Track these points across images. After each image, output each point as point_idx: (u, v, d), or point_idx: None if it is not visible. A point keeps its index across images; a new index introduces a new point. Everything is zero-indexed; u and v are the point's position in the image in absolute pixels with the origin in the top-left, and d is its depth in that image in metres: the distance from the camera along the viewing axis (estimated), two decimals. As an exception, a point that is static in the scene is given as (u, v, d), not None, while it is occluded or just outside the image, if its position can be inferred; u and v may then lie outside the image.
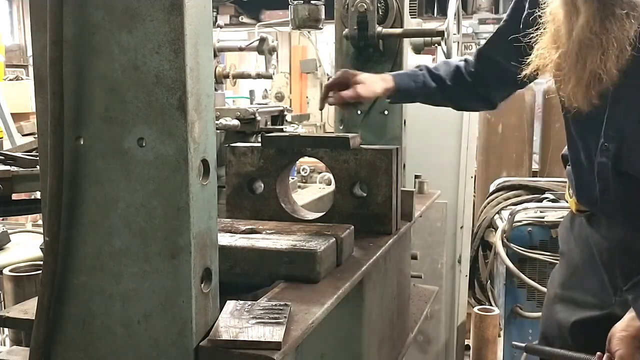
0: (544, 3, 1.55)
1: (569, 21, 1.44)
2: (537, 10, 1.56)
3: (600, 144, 1.59)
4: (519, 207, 3.34)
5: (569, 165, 1.83)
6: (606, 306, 1.74)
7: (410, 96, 2.00)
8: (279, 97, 9.84)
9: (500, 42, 1.87)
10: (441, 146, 3.18)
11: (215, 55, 2.39)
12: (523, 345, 1.83)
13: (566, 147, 1.81)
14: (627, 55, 1.39)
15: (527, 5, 1.72)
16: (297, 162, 2.17)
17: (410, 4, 2.50)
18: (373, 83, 1.88)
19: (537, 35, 1.57)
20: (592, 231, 1.77)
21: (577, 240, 1.84)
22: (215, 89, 2.12)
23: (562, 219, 2.05)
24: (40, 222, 3.13)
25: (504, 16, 1.89)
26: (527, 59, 1.60)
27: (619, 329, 1.56)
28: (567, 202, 1.89)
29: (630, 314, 1.56)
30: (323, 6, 2.46)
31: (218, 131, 2.11)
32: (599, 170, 1.62)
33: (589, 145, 1.64)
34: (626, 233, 1.66)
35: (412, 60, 2.51)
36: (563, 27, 1.46)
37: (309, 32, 8.57)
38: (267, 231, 1.58)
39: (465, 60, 2.02)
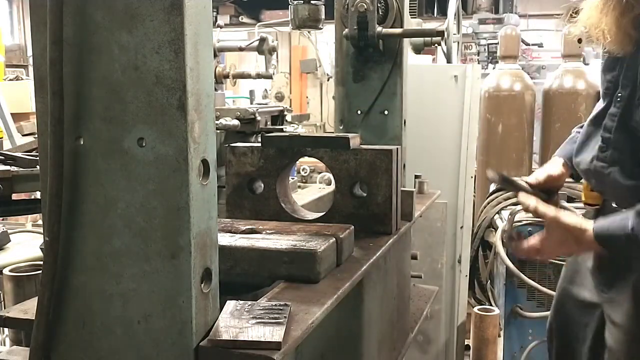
0: None
1: None
2: None
3: (616, 94, 1.68)
4: (519, 207, 3.34)
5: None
6: (598, 304, 1.83)
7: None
8: (279, 97, 9.84)
9: None
10: (441, 146, 3.18)
11: (215, 55, 2.39)
12: (497, 175, 1.84)
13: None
14: None
15: None
16: (297, 162, 2.17)
17: (410, 4, 2.50)
18: (551, 165, 1.92)
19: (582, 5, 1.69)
20: None
21: None
22: (215, 89, 2.12)
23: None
24: (40, 222, 3.13)
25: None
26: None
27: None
28: (582, 196, 1.96)
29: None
30: (323, 6, 2.46)
31: (218, 131, 2.11)
32: (607, 122, 1.69)
33: (606, 99, 1.73)
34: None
35: (412, 60, 2.51)
36: None
37: (309, 32, 8.57)
38: (267, 231, 1.58)
39: None
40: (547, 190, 1.87)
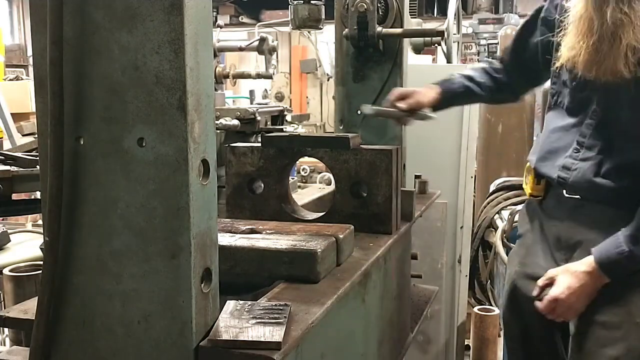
0: (565, 10, 1.83)
1: (600, 11, 1.71)
2: (557, 16, 1.88)
3: (591, 109, 1.87)
4: (519, 207, 3.33)
5: (533, 147, 2.10)
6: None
7: (455, 98, 2.20)
8: (279, 97, 9.85)
9: (523, 46, 2.12)
10: (441, 146, 3.18)
11: (215, 55, 2.39)
12: (372, 110, 1.95)
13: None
14: None
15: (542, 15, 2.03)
16: (297, 162, 2.17)
17: (410, 4, 2.50)
18: (424, 91, 2.07)
19: (560, 35, 1.84)
20: (542, 213, 2.02)
21: (531, 223, 2.09)
22: (215, 89, 2.12)
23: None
24: (40, 222, 3.13)
25: (519, 28, 2.17)
26: (549, 57, 1.93)
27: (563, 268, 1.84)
28: (523, 189, 2.14)
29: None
30: (323, 6, 2.46)
31: (218, 131, 2.11)
32: (583, 130, 1.89)
33: (580, 115, 1.90)
34: (575, 209, 1.90)
35: (412, 60, 2.51)
36: (595, 17, 1.73)
37: (309, 32, 8.57)
38: (267, 231, 1.58)
39: (489, 62, 2.25)
40: (412, 110, 2.05)
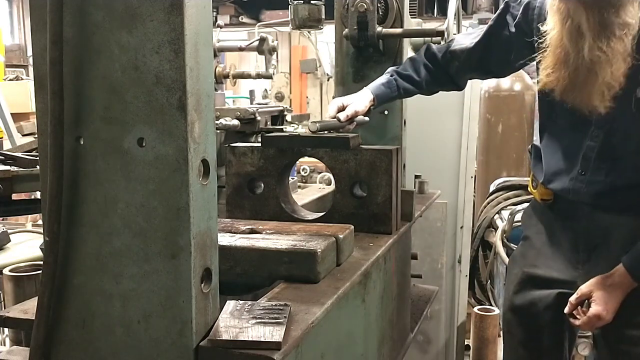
0: (542, 32, 1.80)
1: (575, 45, 1.70)
2: (535, 38, 1.84)
3: (591, 131, 1.86)
4: (519, 207, 3.34)
5: (534, 158, 2.09)
6: (571, 280, 1.96)
7: (389, 100, 2.19)
8: (279, 97, 9.85)
9: (494, 43, 2.09)
10: (441, 146, 3.18)
11: (215, 55, 2.39)
12: (318, 125, 1.95)
13: (536, 139, 2.08)
14: (629, 64, 1.68)
15: (511, 29, 2.02)
16: (297, 162, 2.17)
17: (410, 4, 2.50)
18: (360, 99, 2.07)
19: (538, 57, 1.83)
20: (554, 217, 2.02)
21: (539, 226, 2.09)
22: (215, 89, 2.12)
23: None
24: (40, 222, 3.13)
25: (479, 35, 2.12)
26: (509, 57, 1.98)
27: (596, 282, 1.85)
28: (531, 193, 2.14)
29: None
30: (323, 6, 2.46)
31: (218, 131, 2.10)
32: (586, 152, 1.88)
33: (578, 133, 1.89)
34: (591, 214, 1.90)
35: (412, 60, 2.50)
36: (571, 50, 1.72)
37: (309, 32, 8.57)
38: (267, 231, 1.58)
39: (432, 53, 2.19)
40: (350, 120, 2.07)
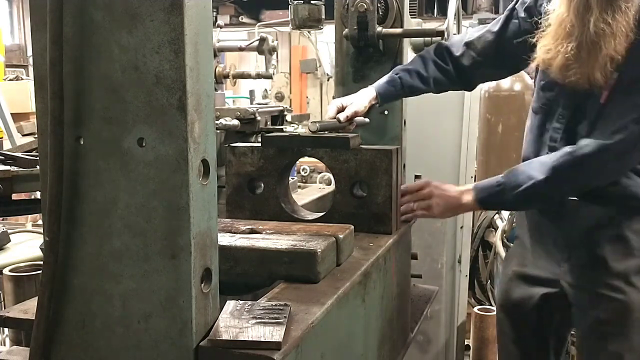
0: (545, 11, 1.85)
1: (581, 19, 1.73)
2: (535, 16, 1.89)
3: (558, 112, 1.93)
4: (519, 207, 3.33)
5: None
6: (555, 279, 2.01)
7: (394, 98, 2.19)
8: (279, 97, 9.84)
9: (506, 39, 2.10)
10: (441, 146, 3.18)
11: (215, 55, 2.39)
12: (317, 125, 1.95)
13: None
14: (631, 39, 1.72)
15: (521, 14, 2.04)
16: (297, 162, 2.17)
17: (410, 4, 2.49)
18: (360, 99, 2.07)
19: (536, 35, 1.85)
20: (539, 214, 2.06)
21: (528, 224, 2.13)
22: (215, 89, 2.12)
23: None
24: (40, 222, 3.13)
25: (498, 23, 2.13)
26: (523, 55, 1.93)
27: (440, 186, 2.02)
28: None
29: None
30: (323, 6, 2.46)
31: (218, 131, 2.10)
32: (552, 135, 1.94)
33: (548, 116, 1.97)
34: (573, 210, 1.94)
35: (412, 60, 2.50)
36: (577, 24, 1.75)
37: (309, 32, 8.57)
38: (267, 231, 1.57)
39: (443, 49, 2.18)
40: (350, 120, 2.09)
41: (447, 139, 3.18)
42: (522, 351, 2.18)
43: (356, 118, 2.03)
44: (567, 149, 1.84)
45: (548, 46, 1.81)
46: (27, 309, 1.25)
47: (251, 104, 2.92)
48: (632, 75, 1.76)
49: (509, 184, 1.89)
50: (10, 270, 2.14)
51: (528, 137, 2.07)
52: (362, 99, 2.07)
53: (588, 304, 1.94)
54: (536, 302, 2.06)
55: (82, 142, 1.06)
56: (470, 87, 2.30)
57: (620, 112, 1.78)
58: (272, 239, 1.50)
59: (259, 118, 2.30)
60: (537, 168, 1.86)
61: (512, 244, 3.13)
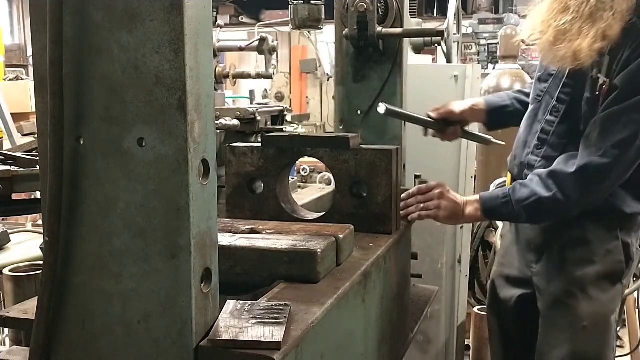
0: None
1: None
2: None
3: (552, 105, 1.91)
4: (518, 207, 3.33)
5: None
6: (527, 279, 2.06)
7: (501, 108, 2.21)
8: (279, 97, 9.84)
9: None
10: (441, 146, 3.17)
11: (215, 55, 2.39)
12: (386, 108, 1.94)
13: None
14: (627, 20, 1.68)
15: None
16: (297, 162, 2.17)
17: (410, 4, 2.49)
18: (460, 102, 2.11)
19: (527, 9, 1.87)
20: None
21: (510, 224, 2.20)
22: (215, 89, 2.12)
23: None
24: (40, 222, 3.13)
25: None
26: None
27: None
28: None
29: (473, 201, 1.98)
30: (323, 6, 2.46)
31: (218, 131, 2.11)
32: (544, 127, 1.93)
33: (541, 110, 1.96)
34: None
35: (412, 60, 2.50)
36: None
37: (309, 32, 8.57)
38: (267, 231, 1.57)
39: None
40: (447, 121, 2.12)
41: (447, 139, 3.18)
42: (507, 350, 2.21)
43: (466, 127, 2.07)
44: (570, 167, 1.81)
45: (539, 19, 1.79)
46: (27, 309, 1.25)
47: (251, 104, 2.93)
48: (633, 86, 1.71)
49: (514, 196, 1.89)
50: (10, 270, 2.14)
51: (522, 126, 2.08)
52: (463, 102, 2.09)
53: (547, 308, 1.97)
54: (514, 302, 2.10)
55: (82, 142, 1.06)
56: None
57: (617, 127, 1.75)
58: (272, 239, 1.50)
59: (259, 118, 2.31)
60: (540, 184, 1.85)
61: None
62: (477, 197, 2.00)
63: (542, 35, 1.78)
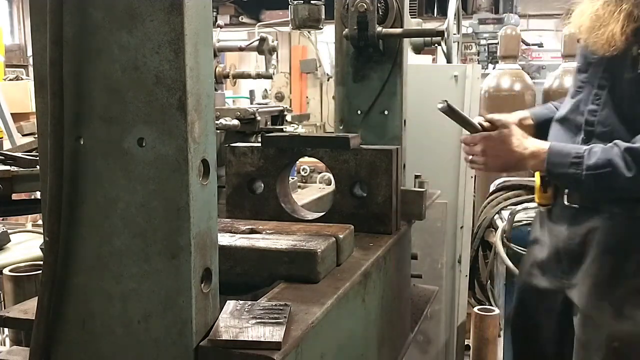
0: None
1: None
2: None
3: (592, 93, 1.84)
4: (519, 207, 3.34)
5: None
6: (558, 290, 1.97)
7: (545, 118, 2.13)
8: (279, 97, 9.84)
9: None
10: (441, 146, 3.17)
11: (215, 55, 2.39)
12: (447, 106, 1.90)
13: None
14: None
15: None
16: (297, 162, 2.17)
17: (410, 4, 2.50)
18: (509, 115, 2.05)
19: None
20: (549, 223, 2.02)
21: (540, 231, 2.09)
22: (215, 89, 2.12)
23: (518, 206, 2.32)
24: (40, 222, 3.13)
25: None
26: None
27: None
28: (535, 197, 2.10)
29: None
30: (323, 6, 2.46)
31: (218, 131, 2.11)
32: (588, 118, 1.84)
33: (581, 99, 1.88)
34: (573, 215, 1.89)
35: (412, 60, 2.51)
36: None
37: (309, 32, 8.57)
38: (267, 231, 1.57)
39: None
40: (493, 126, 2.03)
41: (447, 139, 3.18)
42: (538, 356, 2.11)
43: None
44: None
45: (581, 9, 1.79)
46: (27, 309, 1.25)
47: (251, 104, 2.93)
48: None
49: (588, 160, 1.74)
50: (10, 270, 2.14)
51: (558, 126, 1.97)
52: (512, 115, 2.05)
53: (580, 325, 1.87)
54: (546, 317, 2.01)
55: (82, 142, 1.06)
56: None
57: None
58: (272, 239, 1.50)
59: (259, 118, 2.31)
60: (620, 157, 1.70)
61: (513, 244, 3.14)
62: (544, 146, 1.83)
63: (584, 22, 1.76)
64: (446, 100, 1.88)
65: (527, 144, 1.87)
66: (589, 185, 1.75)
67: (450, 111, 1.91)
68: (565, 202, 1.91)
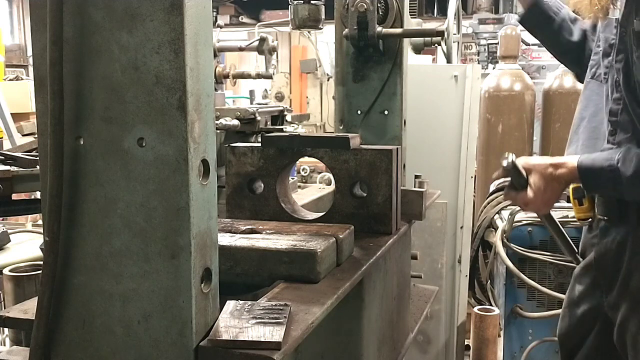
0: None
1: None
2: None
3: (614, 80, 1.74)
4: (518, 207, 3.33)
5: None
6: (598, 306, 1.90)
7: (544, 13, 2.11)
8: (279, 97, 9.84)
9: None
10: (441, 146, 3.18)
11: (215, 55, 2.39)
12: (511, 163, 1.81)
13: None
14: None
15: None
16: (297, 162, 2.17)
17: (410, 4, 2.50)
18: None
19: None
20: (589, 237, 1.95)
21: (584, 247, 2.01)
22: (215, 89, 2.12)
23: (561, 219, 2.21)
24: (40, 222, 3.13)
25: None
26: None
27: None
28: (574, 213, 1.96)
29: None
30: (323, 6, 2.46)
31: (218, 131, 2.11)
32: (612, 107, 1.75)
33: (610, 86, 1.78)
34: (602, 229, 1.83)
35: (412, 60, 2.51)
36: None
37: (309, 32, 8.57)
38: (267, 231, 1.57)
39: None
40: None
41: (447, 139, 3.18)
42: None
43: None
44: None
45: None
46: (27, 309, 1.25)
47: (251, 104, 2.92)
48: None
49: (624, 169, 1.64)
50: (10, 270, 2.14)
51: (580, 119, 1.90)
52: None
53: (623, 348, 1.77)
54: (583, 335, 1.95)
55: (82, 142, 1.06)
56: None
57: None
58: (272, 239, 1.50)
59: (259, 118, 2.30)
60: None
61: (513, 244, 3.14)
62: (572, 166, 1.73)
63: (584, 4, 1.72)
64: (513, 154, 1.80)
65: (547, 160, 1.81)
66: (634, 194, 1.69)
67: (514, 169, 1.81)
68: (596, 214, 1.83)
